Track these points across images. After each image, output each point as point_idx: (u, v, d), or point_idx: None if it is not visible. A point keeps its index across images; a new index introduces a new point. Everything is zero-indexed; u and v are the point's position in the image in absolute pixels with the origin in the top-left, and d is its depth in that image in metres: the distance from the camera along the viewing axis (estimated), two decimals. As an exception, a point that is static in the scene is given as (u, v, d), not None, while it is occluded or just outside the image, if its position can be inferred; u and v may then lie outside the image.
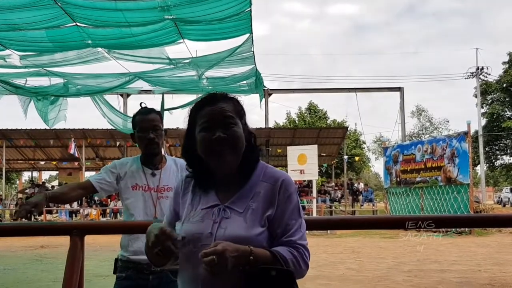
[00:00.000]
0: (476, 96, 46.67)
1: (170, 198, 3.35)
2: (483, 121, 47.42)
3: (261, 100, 19.45)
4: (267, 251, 1.89)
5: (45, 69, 13.85)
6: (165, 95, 18.48)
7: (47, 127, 19.74)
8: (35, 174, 40.18)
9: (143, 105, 3.65)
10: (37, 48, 11.79)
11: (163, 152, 3.71)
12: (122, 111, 26.63)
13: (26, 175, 41.59)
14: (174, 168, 3.64)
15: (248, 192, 2.05)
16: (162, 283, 3.41)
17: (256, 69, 14.08)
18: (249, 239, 1.91)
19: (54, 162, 34.21)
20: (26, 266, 12.70)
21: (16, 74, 14.54)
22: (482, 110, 47.62)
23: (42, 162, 34.47)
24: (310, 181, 26.39)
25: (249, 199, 2.02)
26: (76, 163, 31.67)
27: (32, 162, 34.61)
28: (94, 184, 3.52)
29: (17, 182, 42.07)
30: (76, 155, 28.47)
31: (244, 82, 15.62)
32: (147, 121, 3.52)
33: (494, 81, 47.33)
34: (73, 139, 27.50)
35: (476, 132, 43.67)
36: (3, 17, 9.20)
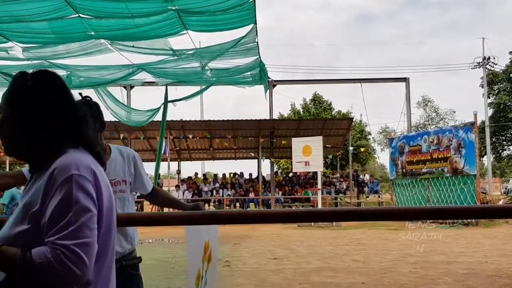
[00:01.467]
0: (482, 86, 46.56)
1: (120, 192, 3.41)
2: (490, 112, 47.36)
3: (265, 91, 19.37)
4: (20, 250, 1.69)
5: (48, 61, 13.83)
6: (168, 87, 18.45)
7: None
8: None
9: (83, 95, 3.48)
10: (39, 40, 11.77)
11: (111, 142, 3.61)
12: (126, 103, 26.63)
13: (26, 167, 41.72)
14: (120, 159, 3.50)
15: (32, 184, 1.91)
16: (122, 279, 3.42)
17: (260, 60, 14.02)
18: (8, 238, 1.80)
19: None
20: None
21: (19, 66, 14.54)
22: (489, 100, 47.56)
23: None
24: (315, 173, 26.41)
25: (29, 193, 1.88)
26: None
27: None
28: (26, 174, 3.37)
29: (6, 171, 42.16)
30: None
31: (248, 73, 15.56)
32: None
33: (501, 71, 47.28)
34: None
35: (483, 122, 43.54)
36: (6, 8, 9.17)
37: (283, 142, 30.05)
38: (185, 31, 11.07)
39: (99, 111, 3.43)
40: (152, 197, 3.77)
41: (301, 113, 48.75)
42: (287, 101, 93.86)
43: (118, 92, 25.84)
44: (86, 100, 3.39)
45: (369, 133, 50.00)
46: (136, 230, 3.66)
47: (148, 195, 3.71)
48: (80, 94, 3.51)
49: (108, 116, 21.60)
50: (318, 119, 39.12)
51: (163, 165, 27.31)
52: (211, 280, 3.28)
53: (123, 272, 3.31)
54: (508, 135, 49.32)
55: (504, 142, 50.18)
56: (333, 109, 49.62)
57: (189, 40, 12.09)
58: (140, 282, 3.55)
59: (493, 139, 47.92)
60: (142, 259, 3.65)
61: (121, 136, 29.62)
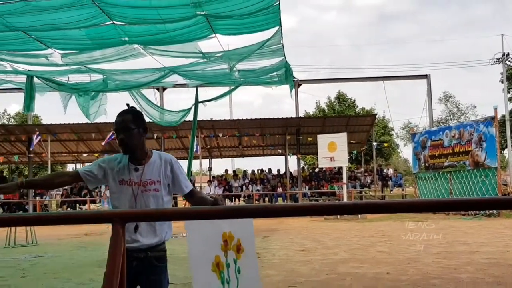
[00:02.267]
0: (502, 82, 46.12)
1: (153, 191, 3.67)
2: (510, 106, 46.92)
3: (291, 91, 19.36)
4: None
5: (85, 66, 14.02)
6: (199, 88, 18.56)
7: (89, 121, 20.03)
8: (79, 166, 40.81)
9: (128, 106, 3.87)
10: (77, 46, 11.94)
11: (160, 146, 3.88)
12: (159, 105, 26.86)
13: (70, 167, 42.28)
14: (158, 162, 3.75)
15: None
16: (145, 268, 3.52)
17: (286, 61, 14.02)
18: None
19: (96, 154, 34.64)
20: (71, 253, 12.98)
21: (58, 71, 14.77)
22: (509, 95, 47.23)
23: (85, 155, 34.97)
24: (340, 168, 26.34)
25: None
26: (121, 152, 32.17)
27: (75, 154, 35.16)
28: (81, 174, 3.76)
29: (59, 171, 42.85)
30: (106, 143, 28.83)
31: (274, 73, 15.58)
32: (117, 123, 3.73)
33: None
34: (112, 132, 27.83)
35: (503, 116, 42.99)
36: (45, 17, 9.34)
37: (309, 139, 29.98)
38: (213, 35, 11.13)
39: (143, 119, 3.88)
40: (189, 197, 3.92)
41: (326, 110, 48.66)
42: (312, 100, 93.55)
43: (151, 94, 26.07)
44: (130, 109, 3.81)
45: (392, 129, 49.78)
46: (170, 224, 3.75)
47: (186, 196, 3.89)
48: (127, 104, 3.86)
49: (143, 117, 21.77)
50: (342, 116, 38.96)
51: (195, 163, 27.49)
52: (249, 269, 3.32)
53: (148, 262, 3.44)
54: None
55: None
56: (357, 106, 49.45)
57: (217, 43, 12.15)
58: (163, 273, 3.69)
59: None
60: (178, 252, 3.78)
61: (155, 136, 29.87)
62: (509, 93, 47.42)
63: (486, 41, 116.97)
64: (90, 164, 3.99)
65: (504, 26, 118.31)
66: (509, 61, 46.08)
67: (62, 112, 16.88)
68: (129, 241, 3.69)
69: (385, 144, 41.82)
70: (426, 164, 24.04)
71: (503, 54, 45.54)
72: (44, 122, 41.91)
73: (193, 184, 32.72)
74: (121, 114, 3.77)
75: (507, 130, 43.40)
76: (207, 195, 4.42)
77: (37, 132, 28.43)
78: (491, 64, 46.33)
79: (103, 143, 28.56)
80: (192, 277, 3.22)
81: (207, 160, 35.82)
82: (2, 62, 13.32)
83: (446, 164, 22.80)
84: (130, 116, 3.74)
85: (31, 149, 29.31)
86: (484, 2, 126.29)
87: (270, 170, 33.12)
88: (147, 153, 3.78)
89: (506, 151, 46.31)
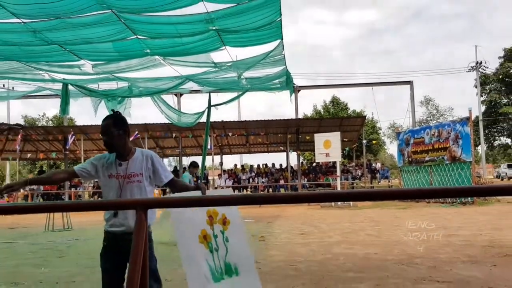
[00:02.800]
0: (476, 87, 46.36)
1: (137, 182, 3.78)
2: (483, 108, 47.29)
3: (291, 95, 19.33)
4: None
5: (113, 75, 14.04)
6: (211, 94, 18.57)
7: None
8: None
9: (113, 111, 4.04)
10: (105, 58, 11.97)
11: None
12: (177, 108, 26.89)
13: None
14: (140, 157, 3.88)
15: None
16: (127, 250, 3.48)
17: (287, 69, 13.99)
18: None
19: (122, 151, 34.84)
20: (102, 237, 13.03)
21: (90, 80, 14.80)
22: (482, 99, 47.52)
23: (113, 152, 35.11)
24: (334, 163, 26.31)
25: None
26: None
27: (105, 151, 35.25)
28: (77, 171, 3.86)
29: (59, 169, 42.97)
30: (135, 138, 28.94)
31: (277, 80, 15.54)
32: (101, 127, 3.91)
33: (492, 73, 47.14)
34: (136, 132, 27.92)
35: (477, 117, 43.15)
36: (78, 33, 9.36)
37: (307, 137, 29.97)
38: (223, 47, 11.12)
39: (124, 122, 4.00)
40: (171, 186, 4.02)
41: (322, 112, 48.70)
42: (310, 103, 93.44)
43: (170, 99, 26.11)
44: (117, 114, 4.00)
45: (380, 128, 49.91)
46: (154, 210, 3.80)
47: (167, 185, 4.00)
48: (113, 110, 4.03)
49: (162, 119, 21.83)
50: (336, 117, 38.97)
51: (208, 158, 27.52)
52: (237, 237, 3.33)
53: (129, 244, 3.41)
54: (498, 127, 49.05)
55: (496, 134, 49.94)
56: (349, 109, 49.45)
57: (227, 54, 12.15)
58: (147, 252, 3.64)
59: (486, 131, 47.72)
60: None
61: (174, 135, 29.93)
62: (482, 96, 47.64)
63: (462, 51, 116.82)
64: (84, 162, 4.10)
65: (477, 38, 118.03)
66: (482, 68, 46.27)
67: (93, 115, 16.92)
68: (117, 225, 3.75)
69: (374, 142, 41.85)
70: (410, 159, 24.08)
71: (477, 63, 45.81)
72: (77, 123, 42.03)
73: (206, 178, 32.73)
74: (104, 120, 3.94)
75: (480, 129, 43.61)
76: (218, 186, 4.49)
77: (72, 132, 28.55)
78: (466, 72, 46.59)
79: (130, 139, 28.67)
80: (180, 253, 3.23)
81: (218, 156, 35.88)
82: (41, 72, 13.37)
83: (427, 158, 22.83)
84: (111, 121, 3.87)
85: (67, 147, 29.44)
86: (460, 18, 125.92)
87: (273, 164, 33.17)
88: (130, 150, 3.90)
89: (479, 147, 46.41)
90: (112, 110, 4.05)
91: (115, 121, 3.90)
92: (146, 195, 3.80)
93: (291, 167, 32.24)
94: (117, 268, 3.79)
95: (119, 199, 3.73)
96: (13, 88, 25.17)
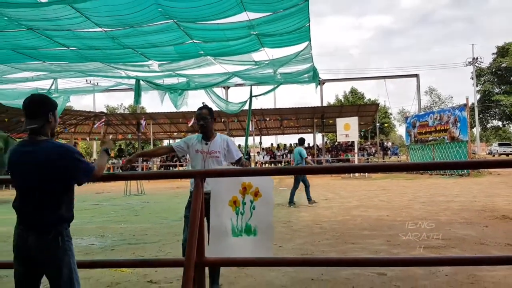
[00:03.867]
0: (472, 79, 45.13)
1: (215, 157, 3.99)
2: (478, 96, 46.46)
3: (316, 87, 19.16)
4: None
5: (175, 72, 14.19)
6: (252, 86, 18.53)
7: (177, 110, 20.37)
8: (171, 141, 41.66)
9: (203, 104, 4.21)
10: (168, 58, 12.09)
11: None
12: (225, 98, 27.02)
13: (165, 142, 43.24)
14: (219, 140, 4.09)
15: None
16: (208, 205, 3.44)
17: (314, 66, 13.81)
18: None
19: (183, 133, 35.34)
20: (168, 200, 13.34)
21: (157, 76, 15.01)
22: (477, 88, 46.70)
23: (175, 133, 35.65)
24: (352, 142, 25.96)
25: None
26: (196, 133, 32.57)
27: (169, 133, 35.88)
28: (174, 147, 4.16)
29: (159, 146, 43.82)
30: (190, 125, 29.31)
31: (305, 75, 15.37)
32: (199, 114, 4.09)
33: (486, 67, 46.00)
34: (193, 117, 28.21)
35: (473, 104, 41.88)
36: (146, 38, 9.48)
37: (330, 121, 29.60)
38: (262, 48, 11.04)
39: (213, 112, 4.22)
40: (237, 163, 4.20)
41: (342, 101, 47.94)
42: (332, 93, 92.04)
43: (219, 91, 26.25)
44: (205, 105, 4.19)
45: (391, 114, 48.89)
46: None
47: (236, 161, 4.17)
48: (203, 103, 4.23)
49: (214, 108, 21.97)
50: (354, 105, 38.25)
51: (250, 139, 27.63)
52: (263, 208, 3.30)
53: (207, 199, 3.41)
54: (491, 112, 48.14)
55: (489, 118, 49.08)
56: (365, 98, 48.53)
57: (265, 54, 12.07)
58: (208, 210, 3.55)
59: (480, 116, 46.81)
60: None
61: (223, 120, 30.12)
62: (477, 87, 46.68)
63: (461, 48, 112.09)
64: (179, 140, 4.36)
65: (474, 37, 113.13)
66: (478, 63, 45.11)
67: (160, 104, 17.18)
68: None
69: (385, 125, 41.08)
70: (416, 139, 23.59)
71: (473, 59, 44.84)
72: (147, 111, 42.83)
73: (249, 154, 32.83)
74: (201, 109, 4.11)
75: (475, 114, 42.61)
76: (258, 161, 4.63)
77: (143, 118, 29.10)
78: (464, 66, 45.43)
79: (189, 125, 28.99)
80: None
81: (258, 137, 35.96)
82: (119, 70, 13.64)
83: (430, 138, 22.31)
84: (207, 111, 4.10)
85: (141, 130, 30.07)
86: (459, 21, 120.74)
87: (302, 143, 32.99)
88: (213, 134, 4.11)
89: (474, 129, 45.34)
90: (175, 101, 4.29)
91: (210, 110, 4.14)
92: (221, 167, 4.00)
93: (317, 145, 32.00)
94: None
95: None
96: (97, 83, 25.83)
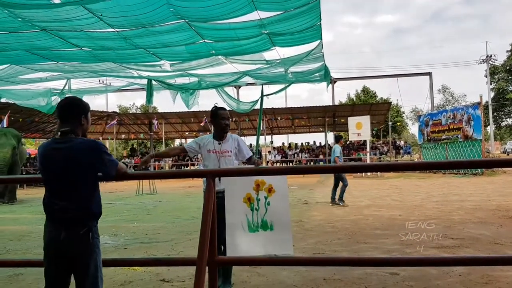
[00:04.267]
0: (486, 76, 44.69)
1: (228, 156, 4.13)
2: (492, 94, 45.96)
3: (327, 86, 19.13)
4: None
5: (186, 72, 14.25)
6: (263, 85, 18.54)
7: (188, 110, 20.46)
8: (183, 140, 41.88)
9: (216, 104, 4.33)
10: (180, 58, 12.14)
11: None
12: (236, 97, 27.06)
13: (177, 142, 43.45)
14: (231, 139, 4.23)
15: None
16: (218, 204, 3.39)
17: (325, 65, 13.76)
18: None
19: (194, 133, 35.48)
20: (180, 199, 13.41)
21: (168, 76, 15.09)
22: (491, 86, 46.26)
23: (187, 133, 35.81)
24: (364, 141, 25.79)
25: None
26: (207, 133, 32.73)
27: (180, 132, 36.06)
28: (186, 148, 4.29)
29: (172, 146, 44.03)
30: (203, 124, 29.42)
31: (317, 74, 15.32)
32: (225, 114, 4.28)
33: (500, 65, 45.44)
34: (205, 117, 28.33)
35: (487, 102, 41.42)
36: (158, 38, 9.54)
37: (342, 120, 29.46)
38: (273, 47, 11.03)
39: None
40: (248, 161, 4.33)
41: (354, 100, 47.63)
42: (344, 92, 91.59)
43: (231, 90, 26.29)
44: (219, 107, 4.32)
45: (403, 112, 48.45)
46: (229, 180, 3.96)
47: (247, 160, 4.33)
48: (216, 104, 4.34)
49: (226, 107, 22.00)
50: (366, 104, 38.02)
51: (261, 138, 27.64)
52: (279, 204, 3.37)
53: (218, 200, 3.41)
54: (505, 110, 47.60)
55: (503, 116, 48.54)
56: (377, 96, 48.10)
57: (276, 53, 12.06)
58: (222, 208, 3.52)
59: (494, 114, 46.30)
60: None
61: (234, 119, 30.17)
62: (491, 85, 46.18)
63: (474, 46, 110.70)
64: (190, 141, 4.48)
65: (487, 35, 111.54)
66: (491, 61, 44.65)
67: (172, 103, 17.29)
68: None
69: (398, 123, 40.74)
70: (428, 138, 23.38)
71: (487, 56, 44.48)
72: (159, 111, 43.10)
73: (260, 153, 32.72)
74: (225, 109, 4.39)
75: (489, 112, 42.09)
76: (269, 160, 4.76)
77: (155, 118, 29.29)
78: (478, 64, 44.98)
79: (202, 124, 29.13)
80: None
81: (269, 136, 35.95)
82: (131, 70, 13.74)
83: (443, 137, 22.08)
84: (229, 113, 4.38)
85: (154, 129, 30.28)
86: (472, 18, 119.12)
87: (314, 142, 32.91)
88: (225, 134, 4.24)
89: (489, 127, 44.86)
90: (186, 100, 4.45)
91: (229, 112, 4.42)
92: (233, 165, 4.18)
93: (329, 144, 31.87)
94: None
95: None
96: (110, 83, 26.06)
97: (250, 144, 27.53)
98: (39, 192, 16.65)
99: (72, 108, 2.53)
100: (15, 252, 5.77)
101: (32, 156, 29.71)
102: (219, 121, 4.15)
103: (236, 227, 3.31)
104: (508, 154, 44.10)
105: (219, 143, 4.15)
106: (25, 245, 6.24)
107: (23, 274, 4.68)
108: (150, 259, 4.41)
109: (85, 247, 2.40)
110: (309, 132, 36.01)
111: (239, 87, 31.58)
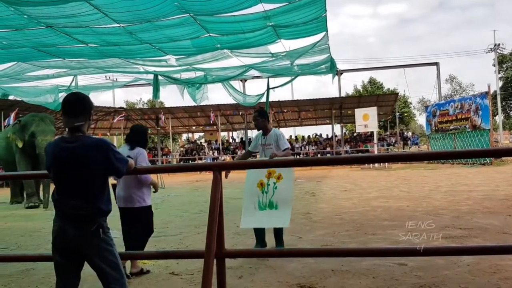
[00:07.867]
0: (494, 65, 44.08)
1: (270, 148, 4.91)
2: (500, 83, 45.29)
3: (333, 78, 19.09)
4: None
5: (192, 66, 14.27)
6: (269, 78, 18.53)
7: (196, 104, 20.50)
8: (190, 135, 42.01)
9: (255, 108, 4.66)
10: (186, 53, 12.15)
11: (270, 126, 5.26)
12: (242, 91, 27.05)
13: (184, 136, 43.58)
14: (272, 134, 5.07)
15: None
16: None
17: (331, 56, 13.69)
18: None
19: (201, 127, 35.55)
20: (187, 193, 13.47)
21: (174, 71, 15.12)
22: (499, 75, 45.59)
23: (194, 127, 35.87)
24: (372, 132, 25.70)
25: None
26: (214, 127, 32.77)
27: (187, 127, 36.13)
28: (251, 150, 5.36)
29: (179, 141, 44.16)
30: (212, 121, 29.45)
31: (323, 66, 15.27)
32: (253, 116, 5.22)
33: (508, 54, 44.80)
34: (212, 111, 28.36)
35: (495, 91, 40.93)
36: (164, 33, 9.55)
37: (349, 112, 29.35)
38: (279, 40, 11.00)
39: (264, 114, 5.24)
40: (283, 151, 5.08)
41: (361, 91, 47.35)
42: (351, 84, 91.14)
43: (237, 84, 26.26)
44: (256, 109, 5.34)
45: (410, 103, 48.10)
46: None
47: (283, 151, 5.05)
48: (260, 107, 4.67)
49: (231, 100, 22.05)
50: (373, 95, 37.78)
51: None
52: (284, 188, 4.13)
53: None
54: None
55: None
56: (384, 87, 47.79)
57: (282, 46, 12.02)
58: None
59: (503, 103, 45.61)
60: None
61: (240, 113, 30.18)
62: (500, 73, 45.52)
63: (482, 35, 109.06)
64: (251, 143, 5.43)
65: (495, 23, 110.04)
66: (499, 50, 44.05)
67: (179, 98, 17.37)
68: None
69: (405, 114, 40.51)
70: (436, 128, 23.22)
71: (495, 45, 43.84)
72: (166, 105, 43.24)
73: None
74: (254, 112, 5.22)
75: (498, 101, 41.55)
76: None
77: (162, 113, 29.39)
78: (486, 53, 44.36)
79: (211, 120, 29.16)
80: (244, 190, 4.35)
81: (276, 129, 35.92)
82: (137, 66, 13.77)
83: (451, 127, 21.91)
84: (257, 114, 5.13)
85: (161, 124, 30.39)
86: (479, 6, 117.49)
87: (321, 134, 32.83)
88: (268, 129, 5.11)
89: (497, 117, 44.35)
90: (193, 95, 4.71)
91: (259, 113, 5.13)
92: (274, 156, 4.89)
93: (336, 136, 31.79)
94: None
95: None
96: (116, 79, 26.14)
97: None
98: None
99: (83, 103, 2.51)
100: (26, 248, 5.85)
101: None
102: (254, 123, 5.14)
103: (249, 207, 4.15)
104: (522, 144, 43.64)
105: (264, 138, 5.08)
106: (37, 241, 6.32)
107: (34, 269, 4.75)
108: (159, 252, 4.46)
109: (97, 242, 2.44)
110: (316, 124, 35.92)
111: (245, 80, 31.53)
